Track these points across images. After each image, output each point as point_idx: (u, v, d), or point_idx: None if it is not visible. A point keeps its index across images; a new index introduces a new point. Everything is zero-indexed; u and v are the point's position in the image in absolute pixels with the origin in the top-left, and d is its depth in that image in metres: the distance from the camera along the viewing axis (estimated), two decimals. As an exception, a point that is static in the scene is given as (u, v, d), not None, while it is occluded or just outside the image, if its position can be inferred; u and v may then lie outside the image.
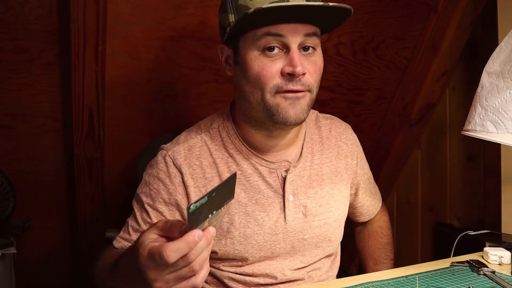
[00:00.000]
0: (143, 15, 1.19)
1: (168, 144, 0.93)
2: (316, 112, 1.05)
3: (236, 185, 0.86)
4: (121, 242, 0.90)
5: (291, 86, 0.79)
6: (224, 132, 0.92)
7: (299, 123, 0.84)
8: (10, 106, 1.29)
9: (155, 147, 0.99)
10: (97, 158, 1.40)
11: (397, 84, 1.64)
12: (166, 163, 0.89)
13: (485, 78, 0.87)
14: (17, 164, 1.39)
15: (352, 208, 1.12)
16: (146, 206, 0.89)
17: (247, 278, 0.92)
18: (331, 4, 0.74)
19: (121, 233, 0.91)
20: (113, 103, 1.31)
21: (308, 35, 0.80)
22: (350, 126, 1.07)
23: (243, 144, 0.91)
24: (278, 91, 0.80)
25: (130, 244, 0.88)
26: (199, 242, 0.54)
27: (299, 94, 0.81)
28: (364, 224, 1.20)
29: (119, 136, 1.39)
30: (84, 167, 1.41)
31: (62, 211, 1.53)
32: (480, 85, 0.88)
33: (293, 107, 0.81)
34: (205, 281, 0.95)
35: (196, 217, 0.53)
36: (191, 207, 0.51)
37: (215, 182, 0.88)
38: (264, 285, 0.92)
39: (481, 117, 0.85)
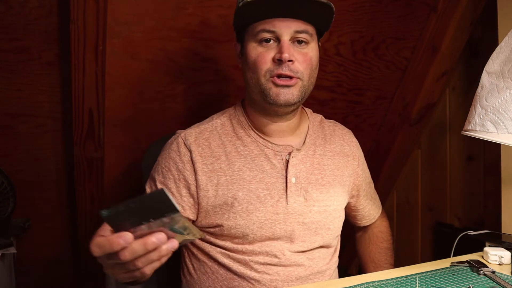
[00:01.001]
0: (143, 15, 1.19)
1: (182, 130, 1.02)
2: (321, 116, 1.11)
3: (242, 164, 0.96)
4: None
5: (280, 70, 0.90)
6: (235, 119, 1.02)
7: (288, 105, 0.93)
8: (10, 106, 1.29)
9: (159, 148, 1.03)
10: (97, 158, 1.40)
11: (397, 84, 1.64)
12: (177, 143, 0.98)
13: (485, 78, 0.87)
14: (17, 164, 1.39)
15: (354, 211, 1.14)
16: (157, 183, 0.97)
17: (247, 258, 0.94)
18: None
19: None
20: (113, 103, 1.31)
21: (298, 32, 0.91)
22: (351, 131, 1.13)
23: (252, 129, 1.00)
24: (271, 75, 0.91)
25: None
26: (123, 244, 0.59)
27: (290, 82, 0.91)
28: (365, 229, 1.22)
29: (119, 136, 1.39)
30: (84, 167, 1.41)
31: (62, 211, 1.53)
32: (480, 85, 0.88)
33: (283, 92, 0.91)
34: (206, 265, 0.98)
35: (116, 221, 0.60)
36: (102, 212, 0.58)
37: (222, 161, 0.96)
38: (264, 264, 0.94)
39: (481, 117, 0.85)
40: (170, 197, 0.57)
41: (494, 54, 0.87)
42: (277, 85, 0.91)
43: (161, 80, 1.33)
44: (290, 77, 0.90)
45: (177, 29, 1.25)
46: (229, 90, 1.42)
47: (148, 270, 0.64)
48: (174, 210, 0.58)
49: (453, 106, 1.66)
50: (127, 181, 1.47)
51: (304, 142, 1.01)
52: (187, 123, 1.05)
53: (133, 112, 1.36)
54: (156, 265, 0.65)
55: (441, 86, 1.65)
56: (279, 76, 0.90)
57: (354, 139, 1.12)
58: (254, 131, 0.99)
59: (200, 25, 1.26)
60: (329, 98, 1.58)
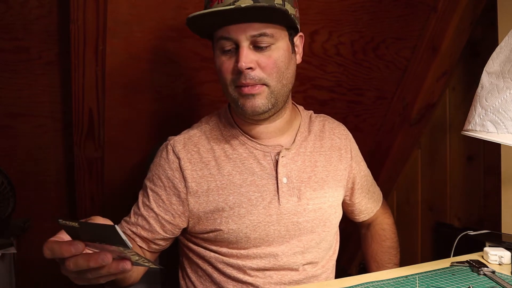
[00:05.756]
0: (143, 15, 1.19)
1: (173, 136, 1.01)
2: (311, 112, 1.10)
3: (232, 168, 0.95)
4: (123, 224, 0.98)
5: (242, 81, 0.87)
6: (222, 123, 1.01)
7: (257, 114, 0.91)
8: (10, 106, 1.29)
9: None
10: (97, 158, 1.40)
11: (397, 84, 1.64)
12: (167, 151, 0.98)
13: (485, 78, 0.87)
14: (17, 164, 1.39)
15: (350, 206, 1.13)
16: (148, 190, 0.97)
17: (241, 263, 0.94)
18: (243, 5, 0.80)
19: (126, 217, 0.99)
20: (113, 103, 1.31)
21: (255, 36, 0.86)
22: (343, 124, 1.12)
23: (239, 131, 0.98)
24: (236, 85, 0.89)
25: (129, 226, 0.96)
26: (74, 252, 0.60)
27: (253, 90, 0.88)
28: (368, 227, 1.21)
29: (119, 136, 1.39)
30: (84, 167, 1.41)
31: (62, 211, 1.53)
32: (480, 85, 0.88)
33: (249, 101, 0.89)
34: (200, 268, 0.99)
35: (72, 232, 0.60)
36: (59, 220, 0.59)
37: (211, 166, 0.95)
38: (257, 270, 0.94)
39: (481, 117, 0.85)
40: (121, 234, 0.55)
41: (494, 54, 0.87)
42: (242, 95, 0.88)
43: (161, 80, 1.33)
44: (254, 85, 0.87)
45: (177, 29, 1.25)
46: (229, 90, 1.42)
47: (103, 280, 0.64)
48: (125, 246, 0.57)
49: (453, 106, 1.66)
50: (127, 181, 1.47)
51: (294, 140, 1.00)
52: (187, 123, 1.05)
53: (133, 112, 1.36)
54: (111, 278, 0.64)
55: (441, 86, 1.65)
56: (241, 86, 0.88)
57: (345, 132, 1.09)
58: (241, 133, 0.98)
59: (200, 25, 1.26)
60: (329, 98, 1.58)
